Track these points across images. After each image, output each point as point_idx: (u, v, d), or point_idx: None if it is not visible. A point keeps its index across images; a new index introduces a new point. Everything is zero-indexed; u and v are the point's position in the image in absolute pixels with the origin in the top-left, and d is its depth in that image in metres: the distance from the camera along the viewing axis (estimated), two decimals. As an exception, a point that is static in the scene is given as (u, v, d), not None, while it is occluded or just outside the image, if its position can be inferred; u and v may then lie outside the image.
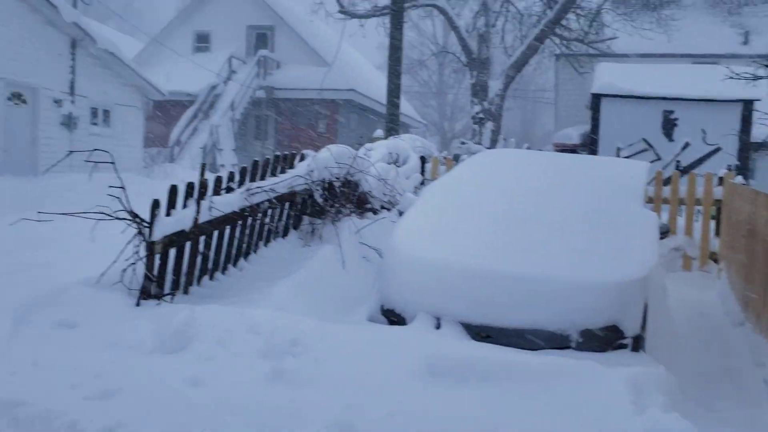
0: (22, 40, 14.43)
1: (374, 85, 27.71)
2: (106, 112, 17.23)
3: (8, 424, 3.30)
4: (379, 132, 11.12)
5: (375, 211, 7.09)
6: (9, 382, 3.55)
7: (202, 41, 27.02)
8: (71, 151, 5.19)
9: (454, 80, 43.12)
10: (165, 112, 23.99)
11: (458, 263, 4.44)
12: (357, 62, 29.77)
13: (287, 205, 6.40)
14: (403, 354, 3.82)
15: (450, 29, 23.78)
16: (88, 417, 3.25)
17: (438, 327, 4.29)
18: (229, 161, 21.89)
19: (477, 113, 19.84)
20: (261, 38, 26.83)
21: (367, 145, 7.94)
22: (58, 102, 15.46)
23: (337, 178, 6.65)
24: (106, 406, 3.35)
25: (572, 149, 15.47)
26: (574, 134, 16.49)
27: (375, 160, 7.38)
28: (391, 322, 4.53)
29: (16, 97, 14.56)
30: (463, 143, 12.65)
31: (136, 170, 16.73)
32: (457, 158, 9.96)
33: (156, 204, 4.74)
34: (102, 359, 3.86)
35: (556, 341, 4.18)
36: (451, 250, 4.56)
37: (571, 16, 19.74)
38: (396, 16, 15.15)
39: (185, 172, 17.92)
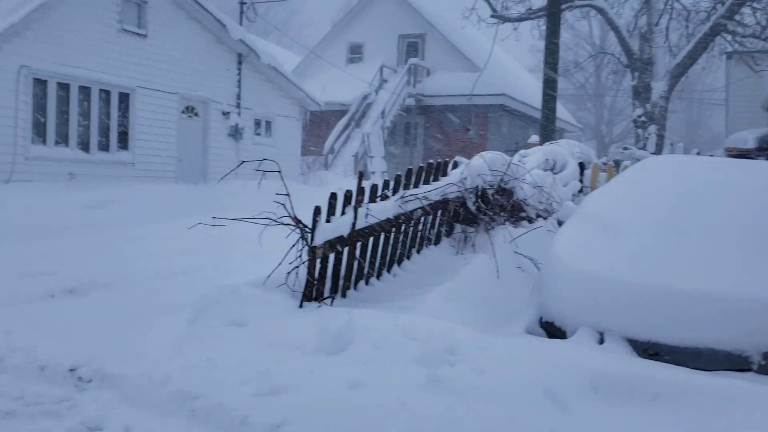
0: (195, 58, 15.65)
1: (526, 89, 27.21)
2: (268, 123, 18.26)
3: (186, 415, 3.55)
4: (535, 137, 10.86)
5: (530, 220, 6.92)
6: (187, 375, 3.82)
7: (356, 52, 27.90)
8: (242, 161, 5.52)
9: (612, 82, 41.28)
10: (320, 122, 25.03)
11: (625, 277, 4.20)
12: (508, 66, 29.40)
13: (440, 212, 6.41)
14: (564, 368, 3.67)
15: (609, 29, 22.82)
16: (257, 413, 3.42)
17: (601, 342, 4.10)
18: (379, 168, 22.41)
19: (639, 116, 18.85)
20: (412, 47, 27.24)
21: (522, 152, 7.78)
22: (225, 114, 16.59)
23: (490, 186, 6.57)
24: (273, 404, 3.51)
25: (747, 154, 14.22)
26: (749, 138, 15.13)
27: (530, 167, 7.22)
28: (551, 335, 4.39)
29: (189, 110, 15.81)
30: (626, 149, 12.04)
31: (294, 177, 17.56)
32: (618, 164, 9.50)
33: (317, 211, 4.92)
34: (268, 358, 4.05)
35: (735, 363, 3.84)
36: (618, 263, 4.33)
37: (746, 10, 18.22)
38: (552, 18, 14.77)
39: (338, 179, 18.57)
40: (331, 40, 28.38)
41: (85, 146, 13.45)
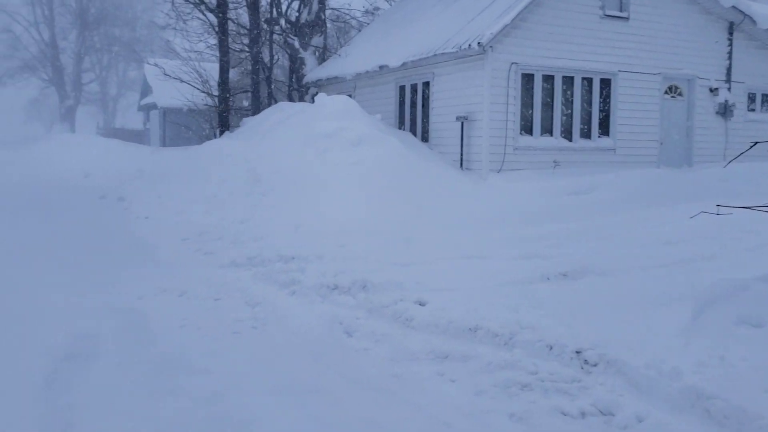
0: (678, 34, 14.79)
1: None
2: (764, 96, 16.19)
3: (700, 414, 3.32)
4: None
5: None
6: (698, 372, 3.57)
7: None
8: (755, 143, 4.88)
9: None
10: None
11: None
12: None
13: None
14: None
15: None
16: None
17: None
18: None
19: None
20: None
21: None
22: (713, 91, 15.30)
23: None
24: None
25: None
26: None
27: None
28: None
29: (672, 90, 15.05)
30: None
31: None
32: None
33: None
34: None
35: None
36: None
37: None
38: None
39: None
40: None
41: (567, 134, 13.99)
